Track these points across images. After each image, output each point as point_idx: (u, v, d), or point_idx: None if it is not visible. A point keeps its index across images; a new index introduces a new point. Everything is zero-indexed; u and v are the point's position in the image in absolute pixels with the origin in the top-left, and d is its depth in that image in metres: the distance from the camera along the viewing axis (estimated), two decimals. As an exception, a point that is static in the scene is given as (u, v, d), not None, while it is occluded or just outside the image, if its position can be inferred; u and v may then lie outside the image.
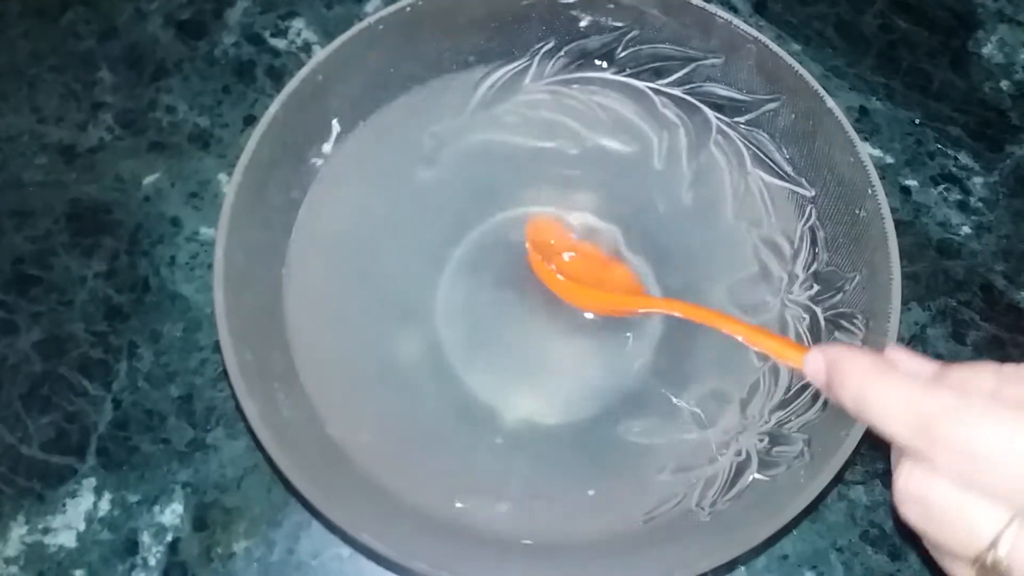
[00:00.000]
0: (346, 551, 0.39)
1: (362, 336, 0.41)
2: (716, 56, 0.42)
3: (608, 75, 0.45)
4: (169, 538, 0.39)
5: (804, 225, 0.42)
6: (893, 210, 0.37)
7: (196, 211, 0.46)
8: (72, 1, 0.51)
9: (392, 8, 0.41)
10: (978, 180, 0.49)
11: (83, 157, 0.47)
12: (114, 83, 0.49)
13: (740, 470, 0.37)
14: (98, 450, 0.41)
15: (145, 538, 0.39)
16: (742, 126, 0.43)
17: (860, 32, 0.52)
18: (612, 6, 0.43)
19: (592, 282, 0.41)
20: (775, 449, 0.37)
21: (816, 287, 0.40)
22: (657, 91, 0.44)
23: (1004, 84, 0.51)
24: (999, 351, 0.44)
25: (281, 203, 0.41)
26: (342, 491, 0.36)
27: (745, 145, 0.43)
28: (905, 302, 0.44)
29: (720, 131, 0.44)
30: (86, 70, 0.50)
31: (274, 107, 0.38)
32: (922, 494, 0.25)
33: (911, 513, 0.25)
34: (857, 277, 0.38)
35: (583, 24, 0.44)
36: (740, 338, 0.34)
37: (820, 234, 0.41)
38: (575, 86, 0.45)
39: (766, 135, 0.43)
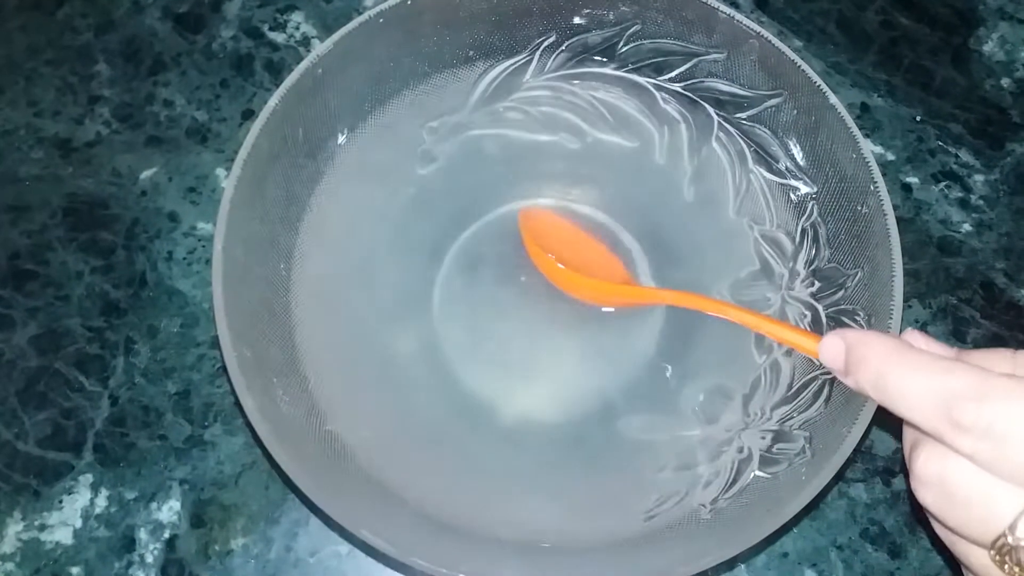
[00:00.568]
0: (345, 548, 0.39)
1: (361, 332, 0.41)
2: (718, 52, 0.42)
3: (609, 71, 0.45)
4: (166, 535, 0.39)
5: (805, 221, 0.41)
6: (894, 207, 0.37)
7: (194, 206, 0.46)
8: (69, -6, 0.51)
9: (392, 2, 0.40)
10: (979, 178, 0.48)
11: (80, 151, 0.47)
12: (111, 77, 0.49)
13: (741, 467, 0.37)
14: (95, 446, 0.41)
15: (142, 535, 0.39)
16: (744, 122, 0.43)
17: (862, 28, 0.52)
18: (613, 1, 0.42)
19: (590, 270, 0.41)
20: (776, 446, 0.37)
21: (817, 284, 0.40)
22: (658, 87, 0.44)
23: (1005, 82, 0.51)
24: (1000, 349, 0.44)
25: (280, 198, 0.40)
26: (340, 488, 0.35)
27: (747, 141, 0.43)
28: (906, 299, 0.44)
29: (722, 127, 0.44)
30: (83, 64, 0.49)
31: (273, 101, 0.38)
32: (941, 477, 0.25)
33: (929, 496, 0.25)
34: (859, 274, 0.38)
35: (584, 19, 0.44)
36: (751, 328, 0.34)
37: (822, 231, 0.41)
38: (576, 82, 0.45)
39: (768, 131, 0.42)
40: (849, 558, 0.40)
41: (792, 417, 0.37)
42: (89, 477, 0.40)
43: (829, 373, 0.38)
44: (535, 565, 0.36)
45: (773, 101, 0.42)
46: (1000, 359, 0.26)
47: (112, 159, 0.47)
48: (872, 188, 0.37)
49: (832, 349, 0.28)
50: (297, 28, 0.51)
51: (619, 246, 0.43)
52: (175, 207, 0.46)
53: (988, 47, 0.52)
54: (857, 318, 0.37)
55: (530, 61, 0.44)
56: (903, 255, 0.36)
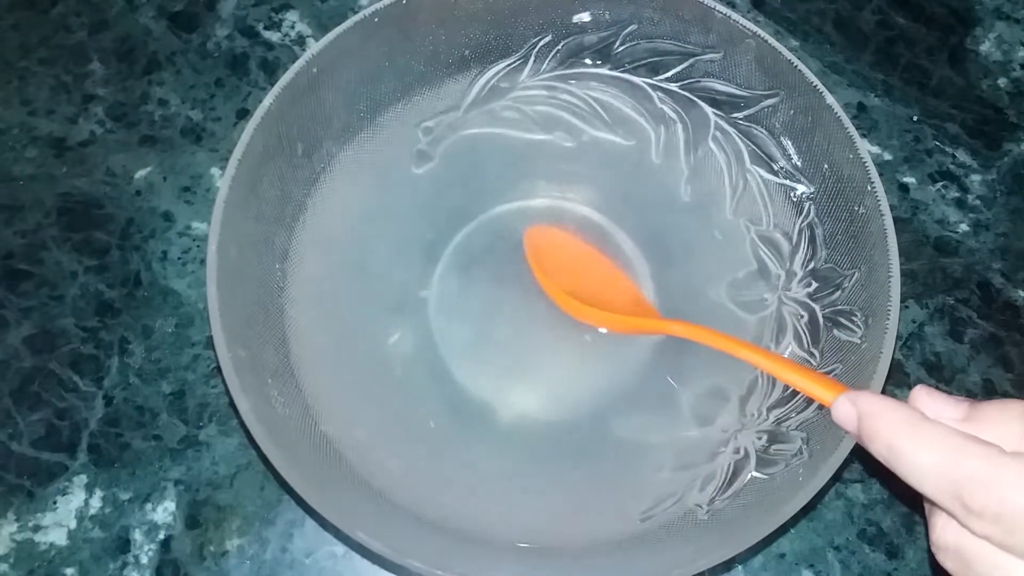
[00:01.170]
0: (340, 549, 0.39)
1: (357, 332, 0.41)
2: (714, 51, 0.42)
3: (605, 71, 0.45)
4: (161, 536, 0.39)
5: (802, 222, 0.41)
6: (891, 207, 0.37)
7: (188, 205, 0.46)
8: (63, -8, 0.51)
9: (387, 1, 0.40)
10: (976, 178, 0.48)
11: (74, 151, 0.47)
12: (105, 76, 0.49)
13: (738, 468, 0.37)
14: (89, 447, 0.41)
15: (137, 536, 0.39)
16: (740, 122, 0.43)
17: (858, 28, 0.52)
18: (609, 1, 0.42)
19: (598, 292, 0.40)
20: (773, 447, 0.37)
21: (814, 284, 0.40)
22: (655, 87, 0.44)
23: (1002, 81, 0.51)
24: (997, 349, 0.44)
25: (275, 198, 0.40)
26: (336, 488, 0.35)
27: (743, 141, 0.43)
28: (903, 300, 0.44)
29: (718, 127, 0.43)
30: (77, 62, 0.49)
31: (268, 100, 0.38)
32: (958, 547, 0.25)
33: (948, 562, 0.26)
34: (856, 274, 0.38)
35: (580, 19, 0.43)
36: (765, 371, 0.34)
37: (819, 231, 0.41)
38: (572, 81, 0.45)
39: (764, 131, 0.42)
40: (846, 559, 0.40)
41: (789, 418, 0.37)
42: (83, 478, 0.40)
43: (826, 374, 0.38)
44: (531, 566, 0.36)
45: (770, 101, 0.42)
46: (1012, 417, 0.26)
47: (106, 158, 0.47)
48: (869, 188, 0.37)
49: (844, 415, 0.28)
50: (292, 27, 0.51)
51: (615, 246, 0.43)
52: (170, 207, 0.46)
53: (985, 47, 0.52)
54: (854, 319, 0.37)
55: (526, 61, 0.44)
56: (900, 255, 0.36)
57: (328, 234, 0.42)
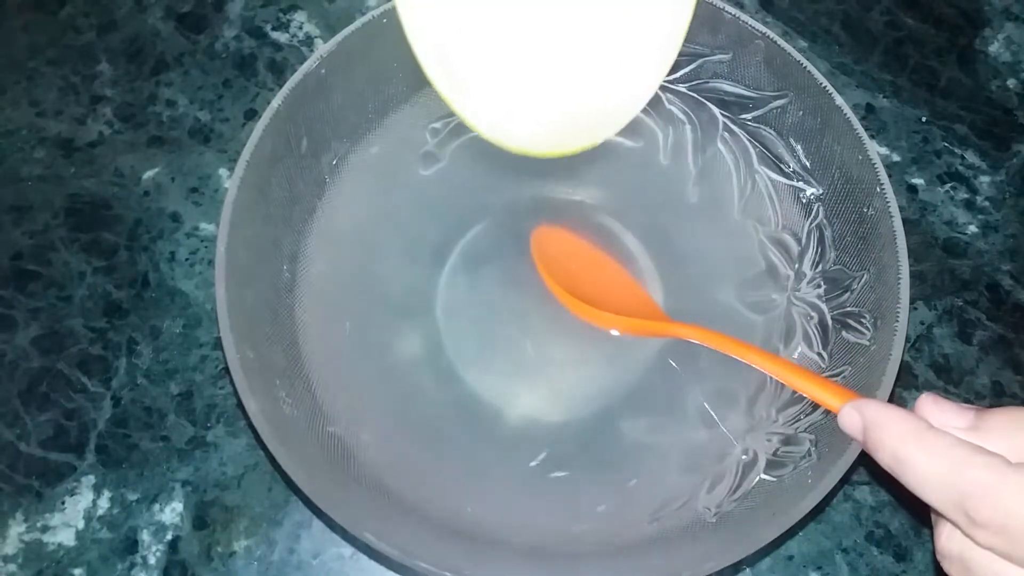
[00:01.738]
0: (348, 550, 0.39)
1: (364, 333, 0.41)
2: (723, 52, 0.42)
3: (613, 71, 0.44)
4: (169, 536, 0.39)
5: (811, 223, 0.41)
6: (900, 209, 0.37)
7: (196, 206, 0.46)
8: (71, -6, 0.51)
9: (395, 1, 0.40)
10: (985, 179, 0.48)
11: (82, 151, 0.47)
12: (113, 77, 0.49)
13: (747, 470, 0.37)
14: (97, 447, 0.41)
15: (145, 536, 0.39)
16: (749, 123, 0.43)
17: (867, 29, 0.52)
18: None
19: (605, 293, 0.40)
20: (782, 449, 0.37)
21: (823, 285, 0.40)
22: (663, 87, 0.44)
23: (1011, 83, 0.51)
24: (1006, 351, 0.44)
25: (283, 199, 0.40)
26: (344, 490, 0.35)
27: (752, 142, 0.43)
28: (911, 301, 0.43)
29: (727, 128, 0.43)
30: (85, 63, 0.49)
31: (276, 101, 0.38)
32: (962, 556, 0.25)
33: (953, 571, 0.26)
34: (865, 276, 0.38)
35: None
36: (773, 375, 0.34)
37: (827, 232, 0.40)
38: (580, 82, 0.45)
39: (773, 132, 0.42)
40: (854, 561, 0.40)
41: (798, 420, 0.37)
42: (91, 478, 0.40)
43: (835, 376, 0.37)
44: (539, 568, 0.35)
45: (778, 102, 0.41)
46: (1018, 426, 0.26)
47: (114, 159, 0.47)
48: (878, 189, 0.37)
49: (851, 424, 0.28)
50: (300, 28, 0.51)
51: (622, 248, 0.43)
52: (178, 207, 0.46)
53: (994, 48, 0.52)
54: (863, 320, 0.37)
55: (534, 61, 0.44)
56: (909, 257, 0.36)
57: (336, 235, 0.42)
